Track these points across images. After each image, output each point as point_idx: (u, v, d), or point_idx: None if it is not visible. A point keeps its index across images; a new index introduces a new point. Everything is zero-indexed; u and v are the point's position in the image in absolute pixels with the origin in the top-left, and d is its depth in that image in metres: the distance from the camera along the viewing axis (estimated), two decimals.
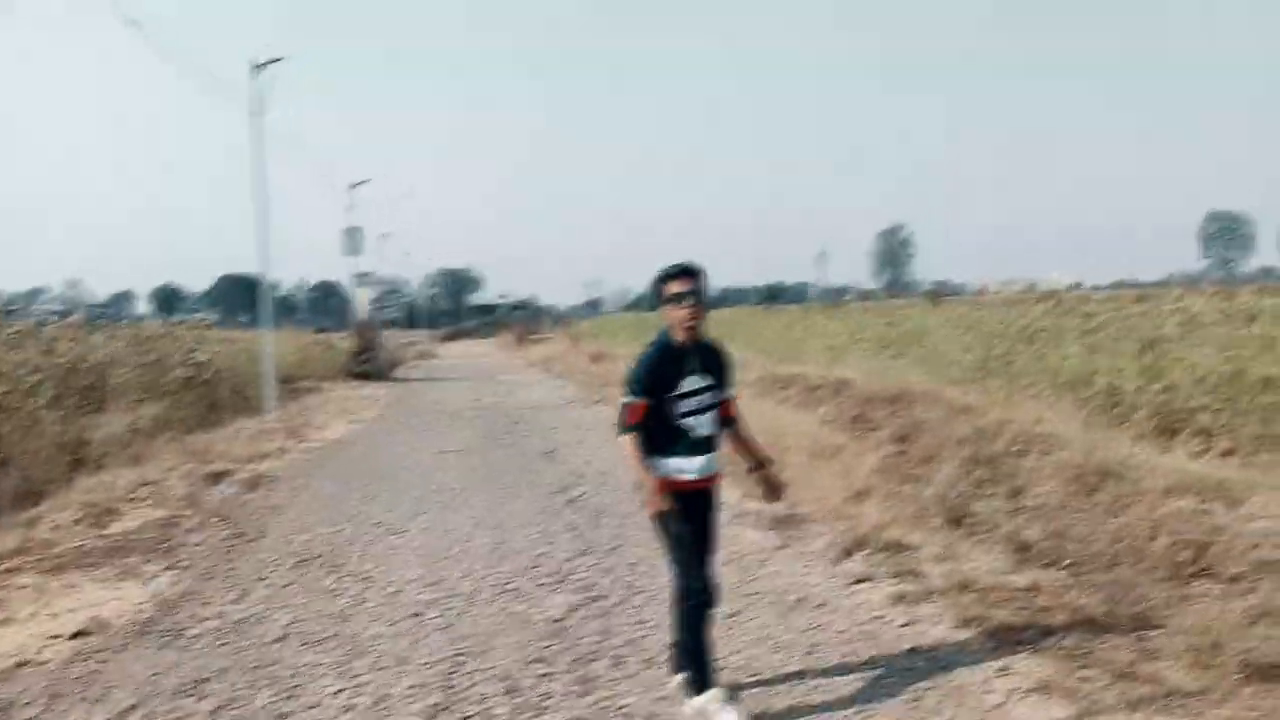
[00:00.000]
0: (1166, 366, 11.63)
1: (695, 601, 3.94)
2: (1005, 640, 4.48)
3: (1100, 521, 6.57)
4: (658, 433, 3.93)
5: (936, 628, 4.76)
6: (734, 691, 3.99)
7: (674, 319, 3.96)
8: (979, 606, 4.91)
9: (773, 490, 4.34)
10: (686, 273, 3.95)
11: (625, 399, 3.94)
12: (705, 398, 3.97)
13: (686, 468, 3.97)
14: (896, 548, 5.99)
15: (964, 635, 4.62)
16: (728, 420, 4.14)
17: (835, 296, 79.89)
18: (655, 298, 4.04)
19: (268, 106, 16.72)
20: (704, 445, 3.98)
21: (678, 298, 3.92)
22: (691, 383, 3.95)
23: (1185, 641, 4.24)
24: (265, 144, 16.03)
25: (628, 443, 3.91)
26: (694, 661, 3.93)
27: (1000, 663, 4.24)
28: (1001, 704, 3.85)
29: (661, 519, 3.96)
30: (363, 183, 29.48)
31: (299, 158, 60.95)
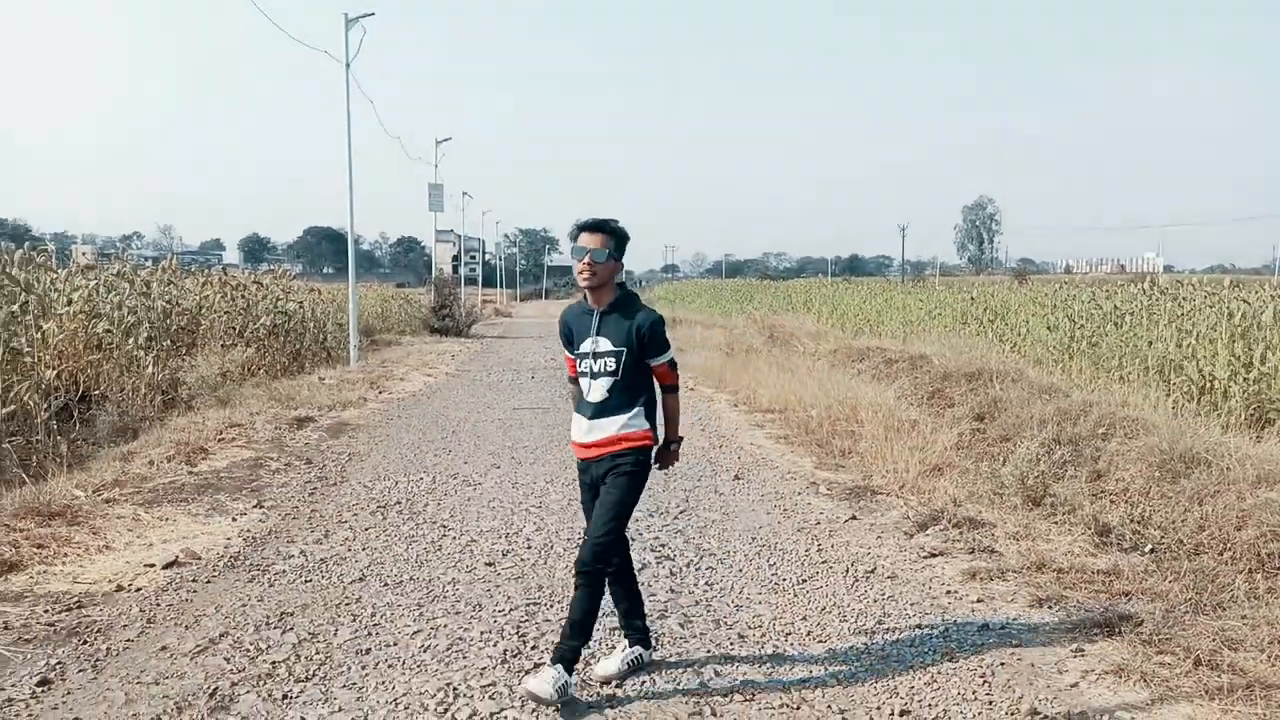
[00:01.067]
0: (1262, 354, 11.17)
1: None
2: (1081, 622, 4.40)
3: (1185, 509, 6.38)
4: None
5: (1010, 605, 4.70)
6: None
7: (575, 273, 3.87)
8: (1055, 586, 4.83)
9: (660, 460, 4.07)
10: (594, 228, 3.77)
11: None
12: (601, 363, 3.79)
13: (574, 431, 3.94)
14: (972, 524, 5.92)
15: (1038, 615, 4.55)
16: (662, 389, 3.94)
17: (916, 270, 78.30)
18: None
19: (357, 59, 16.97)
20: (591, 410, 3.82)
21: (579, 253, 3.76)
22: (587, 345, 3.82)
23: (1270, 633, 4.11)
24: (354, 98, 16.28)
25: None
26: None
27: (1075, 644, 4.18)
28: (1075, 684, 3.79)
29: None
30: (447, 139, 29.81)
31: (384, 113, 61.80)
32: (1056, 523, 5.94)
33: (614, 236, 3.78)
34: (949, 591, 4.94)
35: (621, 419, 3.81)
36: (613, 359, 3.78)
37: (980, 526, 5.89)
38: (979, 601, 4.77)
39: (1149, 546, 5.55)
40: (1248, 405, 9.86)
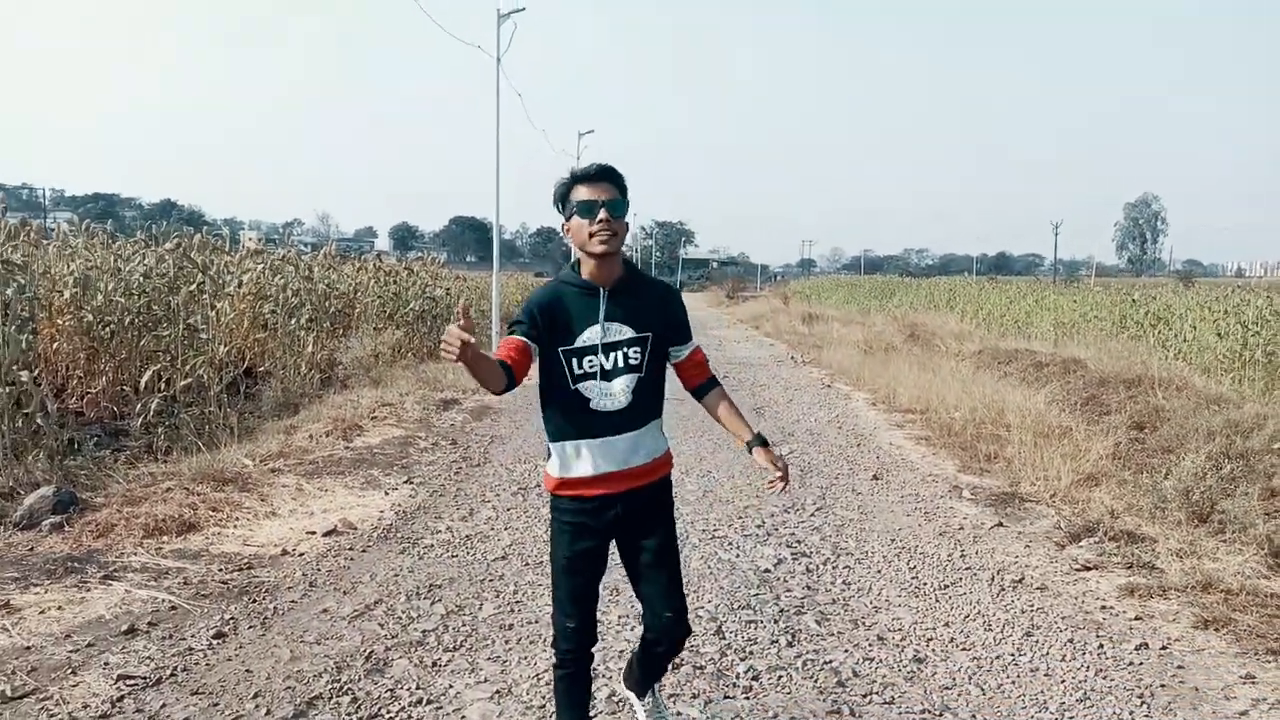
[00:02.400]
0: None
1: (556, 659, 2.98)
2: (1251, 647, 4.13)
3: None
4: (551, 405, 2.84)
5: (1172, 625, 4.45)
6: None
7: (580, 238, 2.74)
8: (1223, 608, 4.54)
9: (779, 473, 2.82)
10: (601, 176, 2.74)
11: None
12: (619, 357, 2.79)
13: (579, 462, 2.82)
14: (1130, 538, 5.62)
15: (1203, 637, 4.29)
16: (701, 386, 3.02)
17: (1070, 271, 74.65)
18: (560, 208, 2.81)
19: (507, 54, 17.42)
20: (616, 423, 2.80)
21: (588, 208, 2.71)
22: (594, 334, 2.77)
23: None
24: (503, 92, 16.73)
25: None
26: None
27: (1245, 670, 3.92)
28: (1245, 713, 3.56)
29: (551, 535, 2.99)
30: (590, 132, 30.26)
31: (531, 105, 63.24)
32: (1225, 541, 5.57)
33: (621, 186, 2.78)
34: (1104, 607, 4.71)
35: (655, 431, 2.93)
36: (636, 350, 2.80)
37: (1140, 541, 5.58)
38: (1137, 619, 4.53)
39: None
40: None
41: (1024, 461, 7.74)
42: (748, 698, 3.67)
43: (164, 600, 4.47)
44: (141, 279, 10.41)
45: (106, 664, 3.80)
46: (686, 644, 3.27)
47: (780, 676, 3.86)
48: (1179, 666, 3.98)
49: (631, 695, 3.31)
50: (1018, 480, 7.28)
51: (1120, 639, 4.29)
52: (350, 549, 5.43)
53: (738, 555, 5.50)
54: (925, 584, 5.09)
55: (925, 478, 7.67)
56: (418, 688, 3.69)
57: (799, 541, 5.81)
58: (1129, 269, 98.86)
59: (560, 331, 2.78)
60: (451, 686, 3.71)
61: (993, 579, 5.17)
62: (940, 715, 3.55)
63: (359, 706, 3.53)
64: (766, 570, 5.23)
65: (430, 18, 18.39)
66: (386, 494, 6.70)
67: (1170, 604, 4.70)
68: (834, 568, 5.33)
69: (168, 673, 3.74)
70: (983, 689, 3.80)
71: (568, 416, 2.82)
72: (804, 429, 9.98)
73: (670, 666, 3.87)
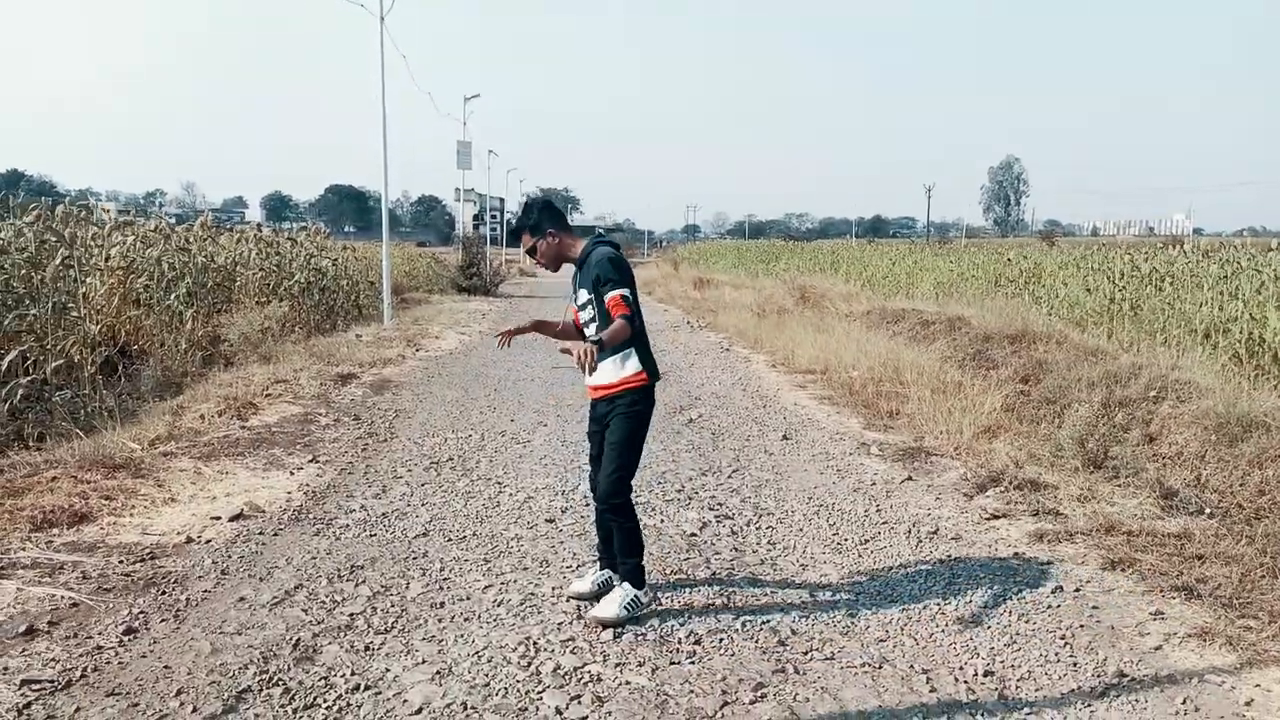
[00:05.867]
0: None
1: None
2: (1156, 585, 4.37)
3: (1244, 473, 6.30)
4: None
5: (1081, 567, 4.67)
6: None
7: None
8: (1126, 549, 4.79)
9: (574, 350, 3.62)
10: (514, 234, 4.32)
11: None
12: (587, 312, 4.08)
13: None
14: (1033, 486, 5.87)
15: (1112, 578, 4.52)
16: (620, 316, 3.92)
17: (940, 232, 77.48)
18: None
19: (391, 13, 16.77)
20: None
21: (529, 254, 4.21)
22: (577, 296, 4.14)
23: None
24: (388, 52, 16.12)
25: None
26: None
27: (1153, 606, 4.15)
28: (1159, 647, 3.77)
29: None
30: (475, 96, 29.56)
31: (414, 67, 61.39)
32: (1119, 485, 5.88)
33: (529, 226, 4.11)
34: (1016, 554, 4.91)
35: (612, 362, 4.04)
36: (591, 306, 4.03)
37: (1042, 489, 5.84)
38: (1049, 564, 4.73)
39: (1207, 511, 5.49)
40: None
41: (925, 416, 7.99)
42: (693, 662, 3.66)
43: (63, 597, 4.17)
44: None
45: (6, 669, 3.52)
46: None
47: (722, 639, 3.87)
48: (1094, 607, 4.18)
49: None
50: (921, 435, 7.52)
51: (1036, 583, 4.48)
52: (260, 533, 5.18)
53: (663, 520, 5.49)
54: (846, 540, 5.20)
55: (833, 436, 7.84)
56: (352, 673, 3.55)
57: (720, 504, 5.85)
58: (995, 230, 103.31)
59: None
60: (389, 670, 3.58)
61: (909, 531, 5.32)
62: (880, 667, 3.62)
63: (293, 698, 3.37)
64: (693, 534, 5.24)
65: None
66: (292, 474, 6.43)
67: (1077, 547, 4.93)
68: (757, 529, 5.39)
69: (77, 674, 3.49)
70: (915, 639, 3.90)
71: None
72: (709, 392, 10.06)
73: (614, 634, 3.86)
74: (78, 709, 3.24)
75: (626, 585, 4.08)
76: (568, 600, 4.26)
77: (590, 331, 4.07)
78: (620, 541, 4.11)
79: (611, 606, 4.01)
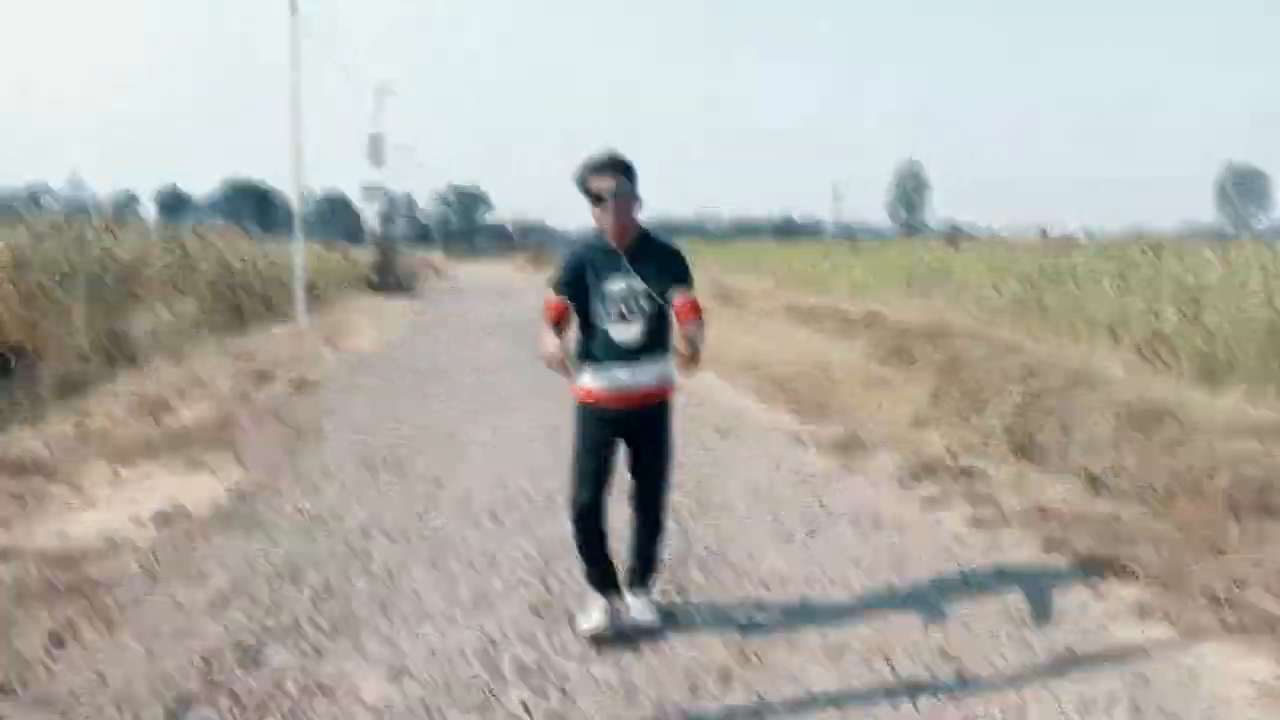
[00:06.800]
0: (1206, 313, 11.57)
1: (571, 516, 3.84)
2: (1093, 565, 4.51)
3: (1157, 458, 6.58)
4: (583, 336, 3.72)
5: (1020, 551, 4.80)
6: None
7: (597, 219, 3.62)
8: (1061, 532, 4.93)
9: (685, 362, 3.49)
10: (606, 168, 3.55)
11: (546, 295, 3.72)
12: (635, 304, 3.60)
13: (597, 379, 3.69)
14: (967, 474, 6.02)
15: (1050, 559, 4.65)
16: (687, 325, 3.57)
17: (849, 234, 79.19)
18: (584, 193, 3.60)
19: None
20: (625, 355, 3.64)
21: (597, 199, 3.55)
22: (617, 284, 3.59)
23: (1275, 573, 4.26)
24: (301, 44, 15.65)
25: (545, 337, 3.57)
26: (586, 575, 3.93)
27: (1092, 587, 4.28)
28: (1103, 625, 3.89)
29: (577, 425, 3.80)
30: (388, 89, 28.95)
31: (328, 50, 59.72)
32: (1047, 472, 6.07)
33: (628, 172, 3.57)
34: (958, 539, 5.01)
35: (661, 364, 3.72)
36: (648, 300, 3.59)
37: (975, 476, 5.99)
38: (990, 548, 4.85)
39: (1125, 493, 5.70)
40: (1191, 362, 10.20)
41: (856, 410, 8.13)
42: (656, 655, 3.63)
43: None
44: None
45: None
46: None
47: (684, 629, 3.85)
48: (1037, 588, 4.28)
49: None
50: (854, 428, 7.64)
51: (980, 568, 4.57)
52: (188, 535, 4.95)
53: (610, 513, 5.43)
54: (793, 531, 5.23)
55: (768, 430, 7.90)
56: (304, 676, 3.41)
57: None
58: (901, 231, 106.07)
59: (582, 279, 3.64)
60: (342, 672, 3.45)
61: (853, 522, 5.38)
62: (841, 653, 3.65)
63: (242, 704, 3.21)
64: None
65: None
66: (215, 474, 6.16)
67: (1015, 532, 5.06)
68: (703, 522, 5.38)
69: (3, 688, 3.26)
70: (871, 625, 3.94)
71: (584, 345, 3.75)
72: None
73: (573, 630, 3.80)
74: None
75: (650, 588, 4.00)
76: (584, 639, 3.73)
77: (635, 326, 3.59)
78: (657, 540, 4.01)
79: (649, 610, 3.88)
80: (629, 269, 3.58)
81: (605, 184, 3.52)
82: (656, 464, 3.86)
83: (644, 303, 3.59)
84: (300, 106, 15.49)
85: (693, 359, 3.44)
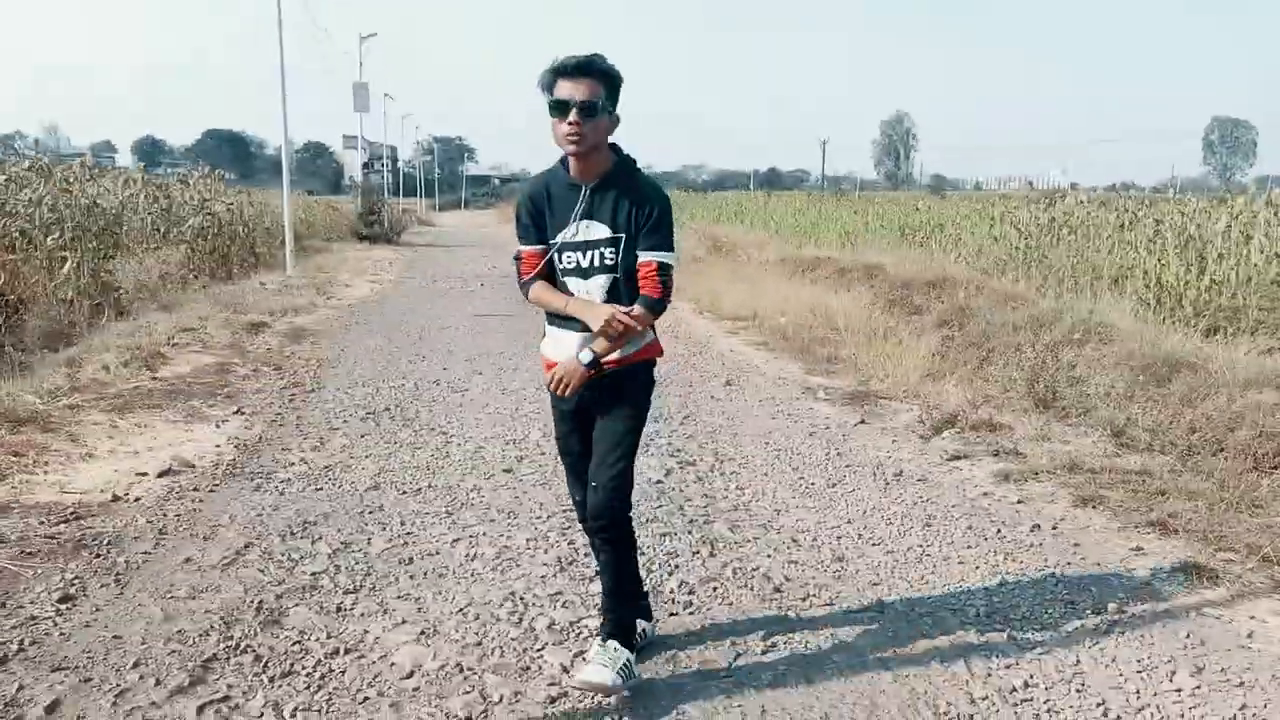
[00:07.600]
0: (1210, 265, 11.47)
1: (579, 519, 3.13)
2: (1130, 521, 4.41)
3: (1176, 411, 6.49)
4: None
5: (1053, 506, 4.69)
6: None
7: (555, 137, 2.70)
8: (1092, 487, 4.83)
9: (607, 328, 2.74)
10: (578, 70, 2.65)
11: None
12: (594, 255, 2.79)
13: (553, 348, 2.92)
14: (989, 427, 5.90)
15: (1085, 515, 4.55)
16: (644, 300, 2.77)
17: (835, 185, 78.72)
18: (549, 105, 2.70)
19: None
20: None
21: (560, 107, 2.65)
22: (570, 232, 2.79)
23: None
24: None
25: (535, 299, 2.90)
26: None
27: (1132, 542, 4.18)
28: (1148, 582, 3.79)
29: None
30: (373, 35, 28.23)
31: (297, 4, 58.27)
32: (1071, 425, 5.96)
33: (605, 80, 2.68)
34: (985, 494, 4.90)
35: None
36: (611, 249, 2.77)
37: (997, 429, 5.88)
38: (1020, 503, 4.74)
39: (1141, 448, 5.60)
40: (1198, 313, 10.12)
41: (866, 361, 7.99)
42: (691, 613, 3.50)
43: None
44: None
45: None
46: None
47: (715, 588, 3.72)
48: (1075, 544, 4.19)
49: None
50: (865, 379, 7.51)
51: (1013, 523, 4.47)
52: (194, 489, 4.77)
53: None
54: (813, 484, 5.11)
55: (775, 381, 7.76)
56: (328, 637, 3.26)
57: (679, 450, 5.69)
58: (887, 184, 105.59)
59: (541, 224, 2.86)
60: (367, 631, 3.31)
61: (874, 474, 5.26)
62: (883, 613, 3.53)
63: (265, 665, 3.06)
64: (659, 481, 5.07)
65: None
66: (218, 426, 5.97)
67: (1044, 486, 4.96)
68: (722, 475, 5.25)
69: (14, 649, 3.10)
70: (908, 581, 3.83)
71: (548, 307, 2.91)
72: None
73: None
74: (20, 688, 2.87)
75: (614, 645, 2.90)
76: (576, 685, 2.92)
77: (597, 282, 2.79)
78: (617, 578, 2.93)
79: (606, 672, 2.83)
80: (590, 209, 2.77)
81: (573, 91, 2.64)
82: (603, 444, 2.88)
83: (607, 253, 2.77)
84: (285, 61, 15.01)
85: (619, 334, 2.73)
